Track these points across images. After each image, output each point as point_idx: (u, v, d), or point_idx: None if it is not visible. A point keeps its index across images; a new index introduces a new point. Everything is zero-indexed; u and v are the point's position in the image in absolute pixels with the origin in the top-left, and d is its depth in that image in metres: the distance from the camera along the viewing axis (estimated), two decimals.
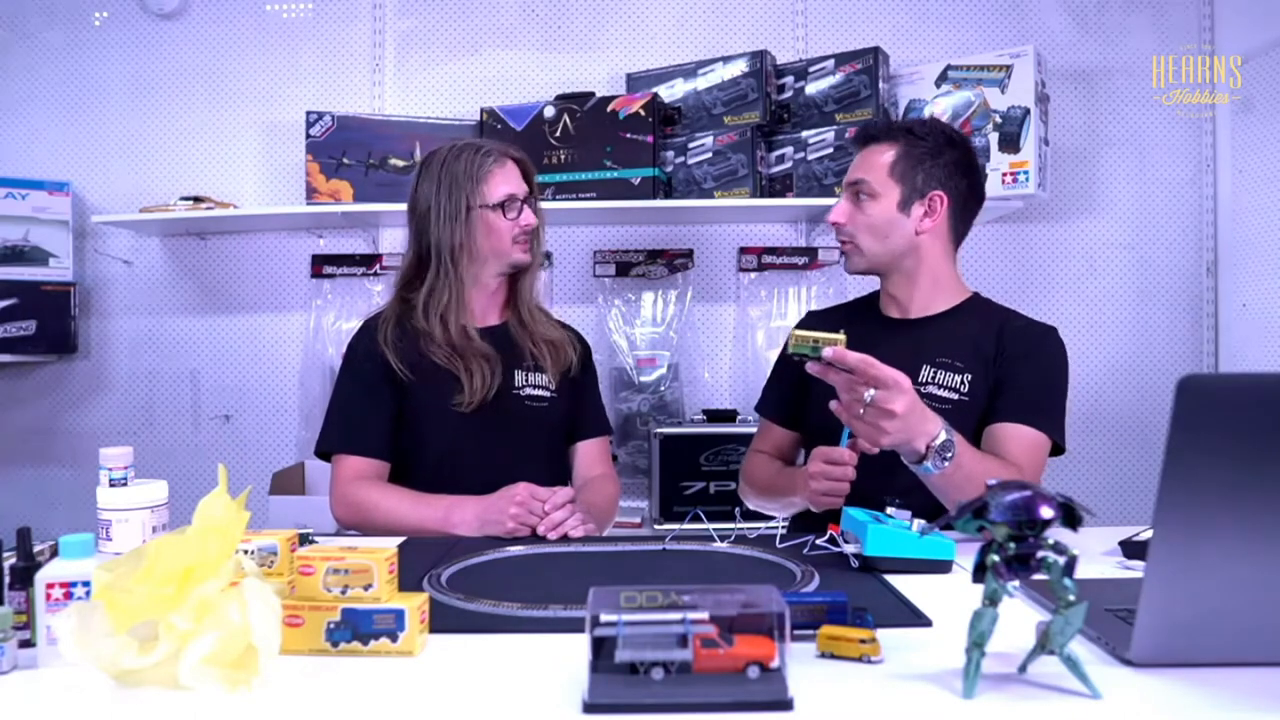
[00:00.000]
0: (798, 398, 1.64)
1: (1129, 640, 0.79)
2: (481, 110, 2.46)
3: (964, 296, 1.59)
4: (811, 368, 1.21)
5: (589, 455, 1.73)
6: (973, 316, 1.57)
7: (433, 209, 1.61)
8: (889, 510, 1.17)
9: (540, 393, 1.66)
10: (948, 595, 1.03)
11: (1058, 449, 1.48)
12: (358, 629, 0.84)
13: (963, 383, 1.49)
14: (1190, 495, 0.74)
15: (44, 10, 2.61)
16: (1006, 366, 1.49)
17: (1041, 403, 1.47)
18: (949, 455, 1.22)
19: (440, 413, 1.58)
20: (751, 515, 1.64)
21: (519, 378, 1.66)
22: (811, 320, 1.70)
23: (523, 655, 0.85)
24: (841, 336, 1.19)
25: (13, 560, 0.86)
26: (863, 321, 1.60)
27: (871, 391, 1.17)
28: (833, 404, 1.23)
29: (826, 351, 1.17)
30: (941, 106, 2.33)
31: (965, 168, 1.55)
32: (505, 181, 1.63)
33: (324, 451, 1.63)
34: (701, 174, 2.39)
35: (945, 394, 1.49)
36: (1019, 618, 0.87)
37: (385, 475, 1.61)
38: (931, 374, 1.51)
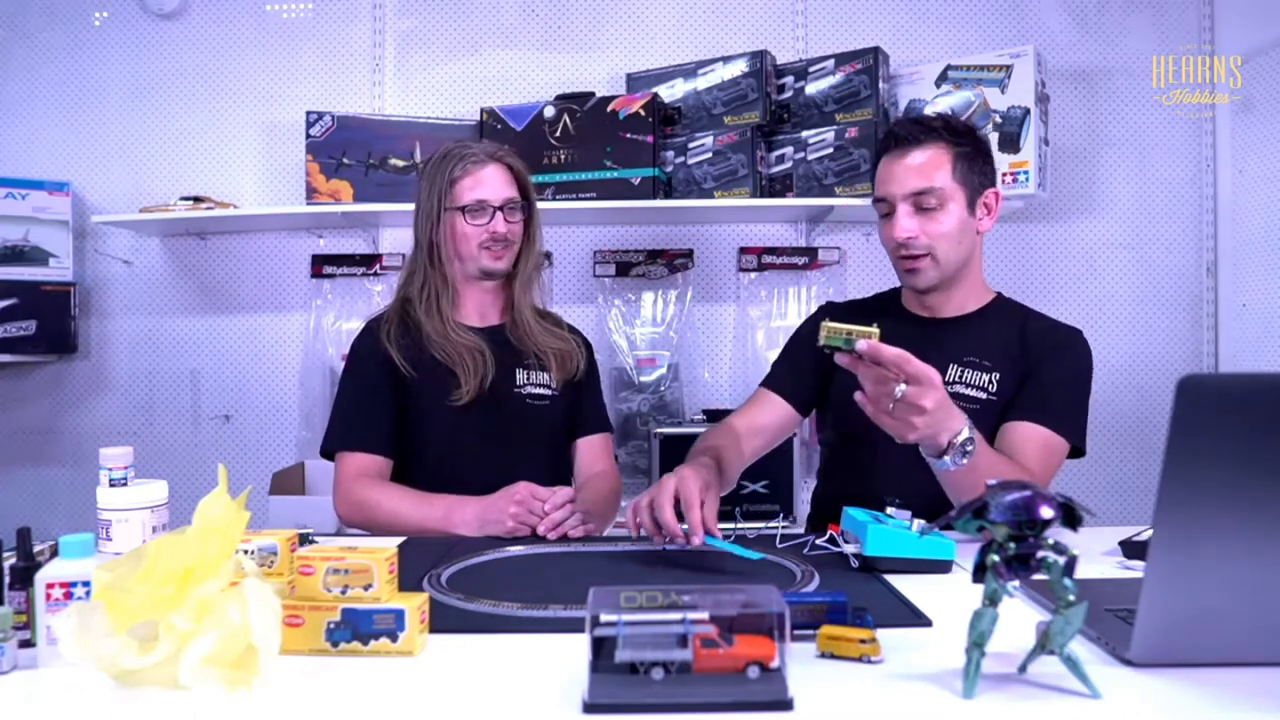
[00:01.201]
0: (816, 382, 1.61)
1: (1129, 640, 0.79)
2: (481, 110, 2.46)
3: (990, 297, 1.58)
4: (841, 359, 1.16)
5: (590, 452, 1.73)
6: (999, 316, 1.56)
7: (420, 206, 1.66)
8: (889, 510, 1.17)
9: (542, 391, 1.67)
10: (948, 595, 1.03)
11: (1077, 452, 1.46)
12: (358, 629, 0.84)
13: (990, 382, 1.48)
14: (1190, 495, 0.74)
15: (44, 10, 2.60)
16: (1030, 366, 1.48)
17: (1058, 403, 1.45)
18: (969, 452, 1.21)
19: (440, 410, 1.59)
20: (752, 515, 1.64)
21: (520, 376, 1.66)
22: (833, 312, 1.65)
23: (523, 655, 0.85)
24: (875, 330, 1.14)
25: (13, 560, 0.86)
26: (887, 318, 1.54)
27: (903, 387, 1.14)
28: (858, 396, 1.20)
29: (861, 345, 1.13)
30: (941, 106, 2.33)
31: (991, 158, 1.54)
32: (478, 186, 1.61)
33: (329, 451, 1.63)
34: (701, 174, 2.39)
35: (973, 393, 1.47)
36: (1019, 618, 0.87)
37: (388, 472, 1.61)
38: (959, 373, 1.49)
